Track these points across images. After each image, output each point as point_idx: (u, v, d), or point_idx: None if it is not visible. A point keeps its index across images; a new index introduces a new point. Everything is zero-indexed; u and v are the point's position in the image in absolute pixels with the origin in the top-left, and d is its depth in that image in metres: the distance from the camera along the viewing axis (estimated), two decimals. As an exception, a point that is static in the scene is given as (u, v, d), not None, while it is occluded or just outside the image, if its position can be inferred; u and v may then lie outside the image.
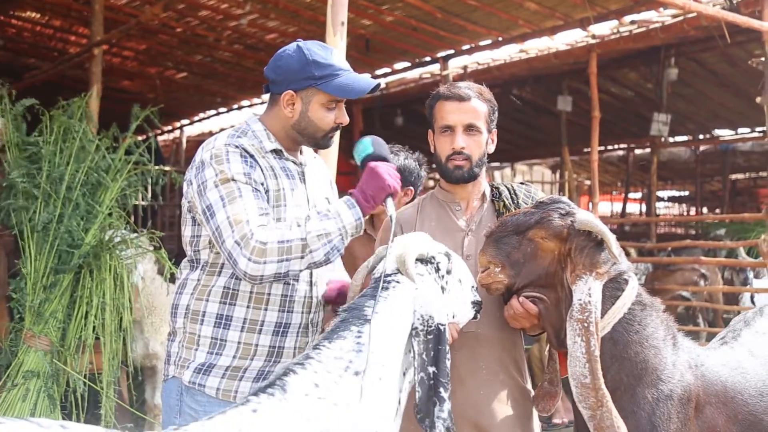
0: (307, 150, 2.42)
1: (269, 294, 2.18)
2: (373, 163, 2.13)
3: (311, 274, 2.26)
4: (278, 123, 2.26)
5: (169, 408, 2.22)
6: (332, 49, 2.25)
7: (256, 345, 2.17)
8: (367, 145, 2.19)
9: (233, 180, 2.06)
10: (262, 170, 2.16)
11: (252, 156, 2.15)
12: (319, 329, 2.34)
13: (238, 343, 2.16)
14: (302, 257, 2.00)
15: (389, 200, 2.10)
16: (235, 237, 1.98)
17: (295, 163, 2.30)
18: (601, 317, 2.06)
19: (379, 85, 2.28)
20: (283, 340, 2.21)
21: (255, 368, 2.17)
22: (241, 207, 2.02)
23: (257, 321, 2.17)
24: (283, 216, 2.16)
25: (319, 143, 2.30)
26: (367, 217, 2.11)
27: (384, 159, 2.17)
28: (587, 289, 2.03)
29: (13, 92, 4.47)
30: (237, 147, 2.13)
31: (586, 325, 1.99)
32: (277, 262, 1.97)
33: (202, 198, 2.09)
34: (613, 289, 2.10)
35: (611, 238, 2.09)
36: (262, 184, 2.14)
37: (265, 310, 2.18)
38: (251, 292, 2.17)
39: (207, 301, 2.18)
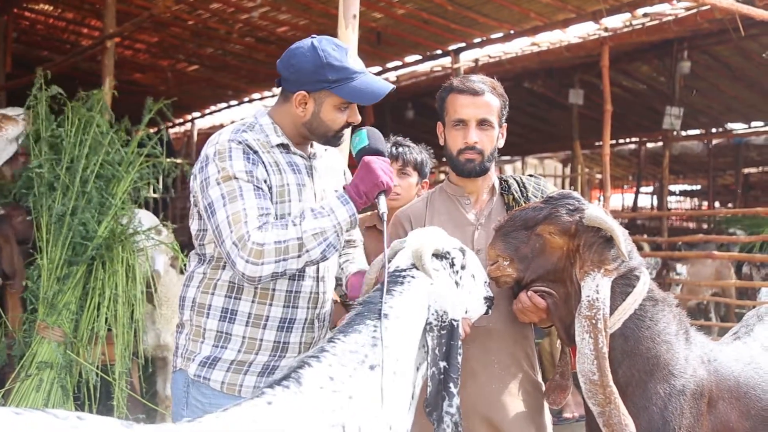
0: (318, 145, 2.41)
1: (274, 290, 2.18)
2: (368, 158, 2.10)
3: (318, 269, 2.25)
4: (288, 119, 2.24)
5: (177, 400, 2.23)
6: (347, 50, 2.21)
7: (261, 340, 2.17)
8: (363, 137, 2.16)
9: (235, 178, 2.05)
10: (265, 166, 2.14)
11: (256, 152, 2.13)
12: (326, 324, 2.34)
13: (243, 337, 2.16)
14: (299, 256, 2.00)
15: (382, 197, 2.08)
16: (233, 238, 1.98)
17: (302, 157, 2.28)
18: (611, 314, 2.05)
19: (393, 89, 2.25)
20: (288, 335, 2.20)
21: (260, 363, 2.17)
22: (241, 207, 2.02)
23: (262, 316, 2.17)
24: (288, 212, 2.15)
25: (330, 142, 2.27)
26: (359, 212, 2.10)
27: (380, 153, 2.14)
28: (595, 286, 2.03)
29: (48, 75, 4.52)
30: (240, 143, 2.12)
31: (594, 321, 1.99)
32: (274, 262, 1.97)
33: (204, 195, 2.09)
34: (624, 285, 2.09)
35: (620, 235, 2.07)
36: (265, 181, 2.12)
37: (270, 305, 2.18)
38: (256, 288, 2.16)
39: (213, 294, 2.18)
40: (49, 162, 4.29)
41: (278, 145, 2.22)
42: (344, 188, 2.10)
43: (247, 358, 2.16)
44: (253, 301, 2.17)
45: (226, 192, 2.04)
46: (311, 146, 2.34)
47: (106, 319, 4.22)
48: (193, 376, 2.17)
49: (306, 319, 2.24)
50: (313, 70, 2.13)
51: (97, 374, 4.15)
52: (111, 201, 4.35)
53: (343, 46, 2.21)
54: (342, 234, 2.06)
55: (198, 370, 2.17)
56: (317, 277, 2.26)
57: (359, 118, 2.27)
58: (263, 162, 2.14)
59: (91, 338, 4.21)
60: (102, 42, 6.22)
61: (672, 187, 19.13)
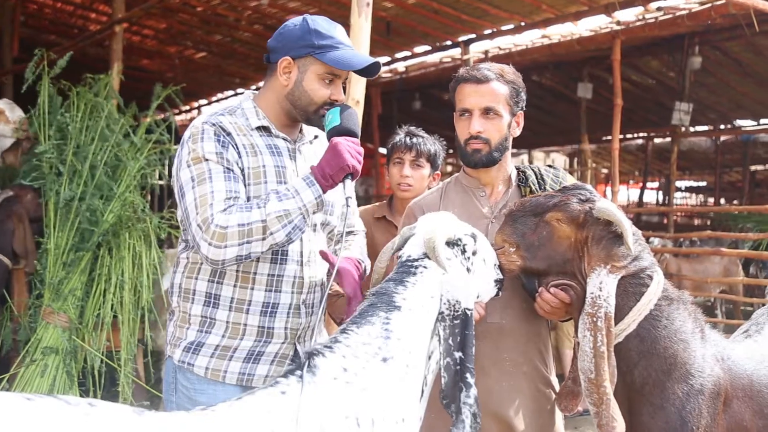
0: (308, 129, 2.35)
1: (255, 273, 2.14)
2: (336, 139, 2.03)
3: (302, 253, 2.20)
4: (273, 95, 2.21)
5: (167, 385, 2.22)
6: (337, 26, 2.20)
7: (245, 324, 2.14)
8: (335, 115, 2.09)
9: (205, 160, 2.03)
10: (237, 149, 2.11)
11: (229, 134, 2.11)
12: (317, 312, 2.27)
13: (227, 322, 2.13)
14: (263, 239, 1.96)
15: (348, 181, 2.01)
16: (198, 220, 1.97)
17: (286, 140, 2.24)
18: (626, 314, 2.01)
19: (378, 65, 2.19)
20: (271, 320, 2.16)
21: (245, 348, 2.14)
22: (208, 189, 2.00)
23: (244, 300, 2.14)
24: (264, 193, 2.11)
25: (311, 118, 2.20)
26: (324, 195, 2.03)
27: (351, 133, 2.07)
28: (599, 283, 1.97)
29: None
30: (214, 125, 2.10)
31: (594, 320, 1.94)
32: (237, 245, 1.94)
33: (177, 177, 2.08)
34: (637, 285, 2.04)
35: (628, 229, 2.01)
36: (237, 163, 2.09)
37: (252, 289, 2.14)
38: (237, 271, 2.13)
39: (196, 279, 2.16)
40: (55, 147, 4.26)
41: (258, 128, 2.19)
42: (311, 169, 2.04)
43: (231, 343, 2.14)
44: (235, 286, 2.14)
45: (196, 174, 2.02)
46: (300, 131, 2.30)
47: (112, 305, 4.22)
48: (178, 362, 2.15)
49: (291, 304, 2.18)
50: (300, 36, 2.13)
51: (102, 360, 4.15)
52: (115, 190, 4.33)
53: (333, 22, 2.20)
54: (308, 216, 2.00)
55: (182, 355, 2.15)
56: (302, 261, 2.21)
57: (344, 97, 2.23)
58: (235, 144, 2.11)
59: (96, 324, 4.20)
60: (111, 27, 6.19)
61: (678, 183, 19.08)
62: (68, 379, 4.05)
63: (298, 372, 1.56)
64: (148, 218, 4.40)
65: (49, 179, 4.26)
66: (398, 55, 9.21)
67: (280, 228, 1.95)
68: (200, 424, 1.41)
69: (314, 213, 2.02)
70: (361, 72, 2.19)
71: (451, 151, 11.48)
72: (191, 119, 14.81)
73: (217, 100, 13.09)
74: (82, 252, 4.19)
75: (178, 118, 13.67)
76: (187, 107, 13.77)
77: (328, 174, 1.99)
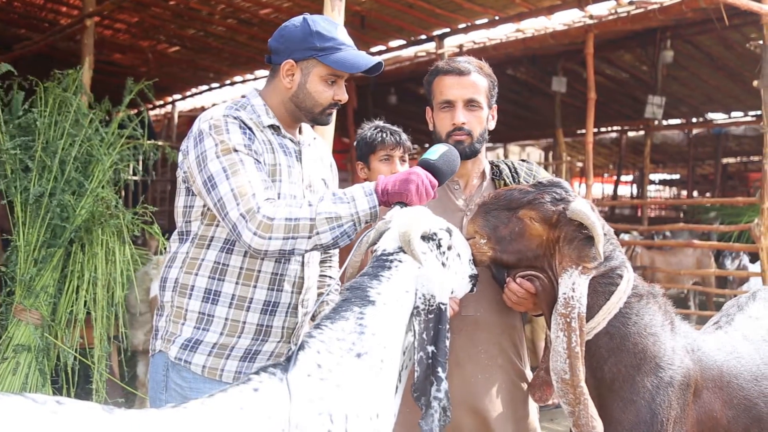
0: (307, 130, 2.38)
1: (259, 271, 2.15)
2: (416, 169, 2.03)
3: (303, 254, 2.21)
4: (277, 96, 2.22)
5: (156, 383, 2.20)
6: (338, 25, 2.21)
7: (244, 322, 2.15)
8: (436, 152, 2.09)
9: (235, 151, 2.03)
10: (259, 144, 2.12)
11: (250, 129, 2.11)
12: (311, 310, 2.31)
13: (226, 319, 2.14)
14: (309, 237, 1.95)
15: (397, 207, 1.98)
16: (241, 210, 1.95)
17: (292, 141, 2.26)
18: (596, 313, 2.02)
19: (381, 64, 2.21)
20: (271, 318, 2.18)
21: (242, 346, 2.15)
22: (245, 179, 1.98)
23: (246, 298, 2.15)
24: (278, 192, 2.13)
25: (317, 118, 2.24)
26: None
27: (439, 174, 2.06)
28: (571, 284, 1.97)
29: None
30: (236, 119, 2.10)
31: (568, 320, 1.94)
32: (282, 239, 1.93)
33: (203, 169, 2.04)
34: (607, 284, 2.05)
35: (600, 234, 2.00)
36: (261, 158, 2.11)
37: (254, 287, 2.15)
38: (241, 268, 2.14)
39: (196, 275, 2.16)
40: (19, 143, 4.18)
41: (269, 126, 2.20)
42: (377, 180, 2.04)
43: (229, 341, 2.14)
44: (237, 283, 2.14)
45: (228, 165, 2.01)
46: (299, 132, 2.32)
47: (85, 302, 4.17)
48: (174, 359, 2.14)
49: (290, 304, 2.21)
50: (302, 38, 2.14)
51: (75, 358, 4.11)
52: (87, 185, 4.27)
53: (334, 22, 2.21)
54: (360, 225, 1.99)
55: (179, 353, 2.14)
56: (302, 261, 2.24)
57: (346, 97, 2.25)
58: (258, 139, 2.12)
59: (69, 321, 4.16)
60: (81, 20, 6.12)
61: (651, 176, 19.29)
62: (41, 376, 4.00)
63: (270, 369, 1.55)
64: (121, 214, 4.35)
65: (17, 176, 4.18)
66: (373, 50, 9.16)
67: (328, 230, 1.94)
68: (172, 422, 1.40)
69: (366, 222, 2.01)
70: (364, 72, 2.20)
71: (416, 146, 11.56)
72: (165, 114, 14.76)
73: (191, 95, 12.97)
74: (54, 248, 4.14)
75: (151, 113, 13.54)
76: (161, 102, 13.64)
77: (387, 191, 1.98)
